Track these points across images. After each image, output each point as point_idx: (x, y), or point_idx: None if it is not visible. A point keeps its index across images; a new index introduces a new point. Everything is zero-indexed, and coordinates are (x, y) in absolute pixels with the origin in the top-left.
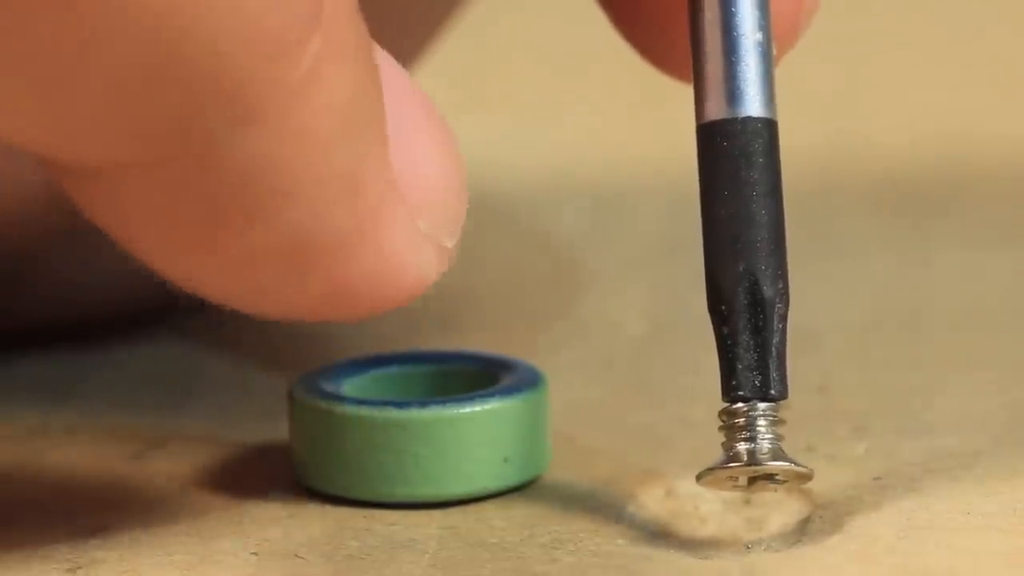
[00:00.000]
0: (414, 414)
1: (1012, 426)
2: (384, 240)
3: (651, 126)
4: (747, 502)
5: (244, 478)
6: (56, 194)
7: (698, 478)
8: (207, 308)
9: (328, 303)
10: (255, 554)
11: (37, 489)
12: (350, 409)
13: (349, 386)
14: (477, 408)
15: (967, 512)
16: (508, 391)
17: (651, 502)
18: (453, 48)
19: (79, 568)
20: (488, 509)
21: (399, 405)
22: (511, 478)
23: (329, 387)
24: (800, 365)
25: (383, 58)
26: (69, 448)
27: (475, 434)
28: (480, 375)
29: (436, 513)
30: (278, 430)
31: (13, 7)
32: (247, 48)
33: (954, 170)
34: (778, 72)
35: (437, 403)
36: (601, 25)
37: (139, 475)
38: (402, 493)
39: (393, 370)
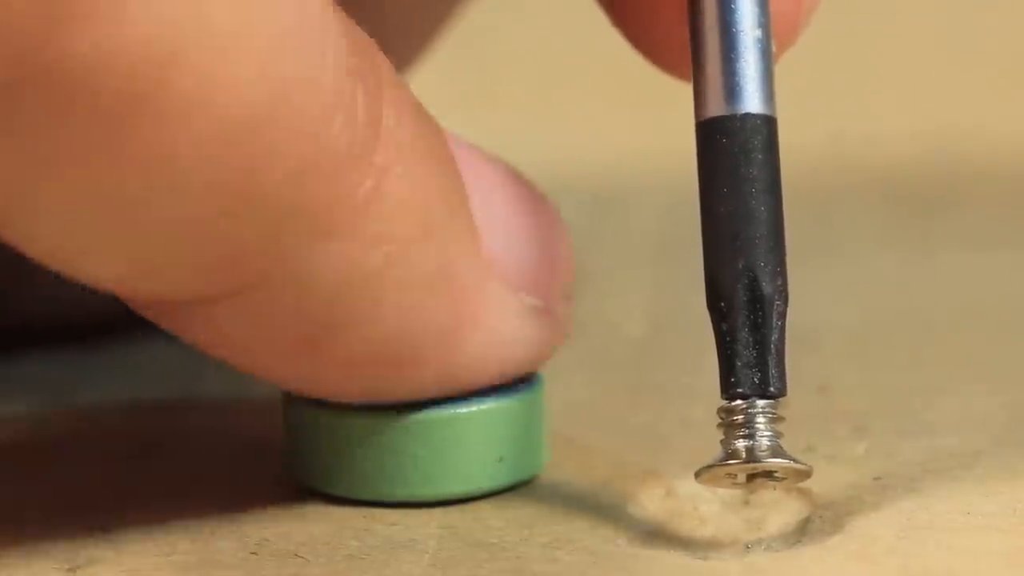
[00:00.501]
0: (411, 415)
1: (1012, 426)
2: (487, 323)
3: (651, 126)
4: (746, 502)
5: (244, 478)
6: None
7: (697, 475)
8: None
9: (446, 384)
10: (255, 554)
11: (37, 489)
12: (348, 411)
13: None
14: (474, 408)
15: (967, 512)
16: (504, 391)
17: (651, 502)
18: (453, 48)
19: (79, 568)
20: (487, 509)
21: (394, 407)
22: (506, 478)
23: None
24: (800, 365)
25: (461, 145)
26: (69, 448)
27: (472, 434)
28: None
29: (436, 513)
30: (278, 430)
31: (85, 158)
32: (313, 169)
33: (955, 169)
34: (777, 70)
35: (433, 404)
36: (600, 24)
37: (139, 475)
38: (401, 493)
39: None
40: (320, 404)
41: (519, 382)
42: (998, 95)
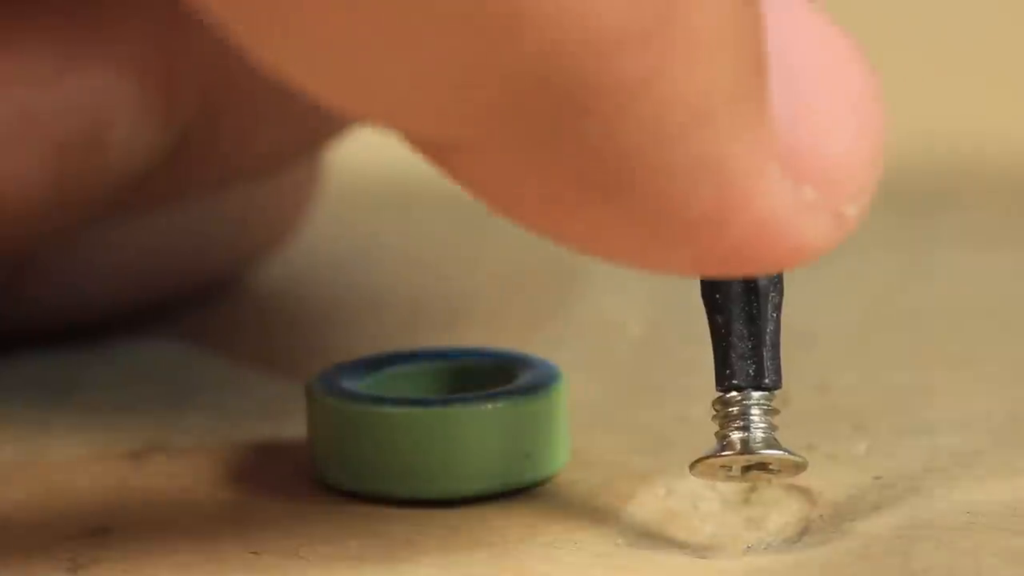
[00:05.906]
0: (437, 411)
1: (1012, 426)
2: (755, 212)
3: None
4: (746, 501)
5: (244, 478)
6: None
7: (691, 467)
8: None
9: (702, 266)
10: (255, 554)
11: (37, 489)
12: (373, 408)
13: (366, 384)
14: (500, 404)
15: (967, 512)
16: (530, 387)
17: (651, 502)
18: None
19: (79, 567)
20: (488, 509)
21: (422, 403)
22: (533, 474)
23: (349, 386)
24: (800, 364)
25: (791, 5)
26: (69, 448)
27: (498, 430)
28: (495, 371)
29: (436, 513)
30: (279, 429)
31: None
32: (580, 46)
33: (954, 170)
34: None
35: (460, 400)
36: None
37: (139, 475)
38: (427, 490)
39: (408, 367)
40: (342, 400)
41: (543, 378)
42: (997, 97)
